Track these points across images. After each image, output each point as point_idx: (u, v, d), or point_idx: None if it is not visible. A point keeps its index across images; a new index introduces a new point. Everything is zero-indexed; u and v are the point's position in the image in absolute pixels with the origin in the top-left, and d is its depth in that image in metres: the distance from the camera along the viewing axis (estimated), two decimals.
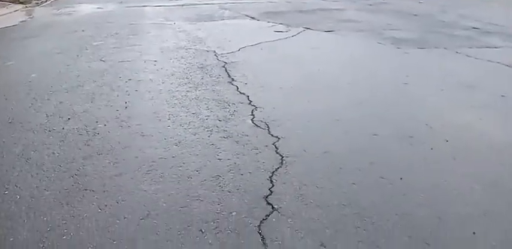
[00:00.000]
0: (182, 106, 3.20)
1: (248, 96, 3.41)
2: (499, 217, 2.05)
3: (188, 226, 1.97)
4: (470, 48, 4.88)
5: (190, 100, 3.30)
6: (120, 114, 3.07)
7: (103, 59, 4.29)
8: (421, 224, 2.01)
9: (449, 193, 2.25)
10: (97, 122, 2.94)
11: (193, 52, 4.54)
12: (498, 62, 4.35)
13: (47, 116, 3.04)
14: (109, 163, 2.47)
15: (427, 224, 2.01)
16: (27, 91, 3.50)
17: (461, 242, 1.91)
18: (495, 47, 4.95)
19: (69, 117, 3.01)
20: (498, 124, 3.02)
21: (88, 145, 2.66)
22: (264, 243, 1.88)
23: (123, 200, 2.13)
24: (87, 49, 4.65)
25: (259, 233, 1.94)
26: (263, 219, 2.03)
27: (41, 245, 1.83)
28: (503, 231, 1.96)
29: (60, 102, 3.27)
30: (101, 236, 1.89)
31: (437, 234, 1.95)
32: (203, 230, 1.95)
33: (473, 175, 2.40)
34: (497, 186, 2.30)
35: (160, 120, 3.00)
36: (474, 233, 1.94)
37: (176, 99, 3.32)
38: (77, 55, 4.43)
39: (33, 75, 3.86)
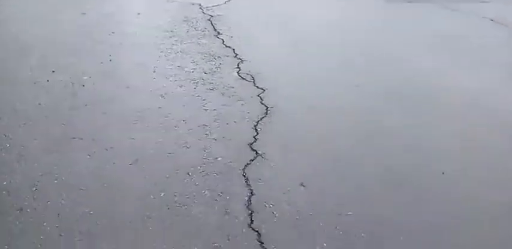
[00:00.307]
0: (167, 59, 3.19)
1: (234, 49, 3.39)
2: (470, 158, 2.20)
3: (176, 170, 2.06)
4: (459, 2, 4.82)
5: (176, 53, 3.28)
6: (104, 67, 3.05)
7: (84, 12, 4.15)
8: (394, 167, 2.14)
9: (425, 143, 2.37)
10: (82, 75, 2.92)
11: (178, 5, 4.41)
12: (483, 17, 4.34)
13: (31, 69, 3.00)
14: (96, 114, 2.51)
15: (400, 167, 2.14)
16: (7, 45, 3.42)
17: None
18: (484, 2, 4.90)
19: (53, 70, 2.98)
20: (474, 75, 3.09)
21: (74, 96, 2.67)
22: (248, 184, 1.99)
23: (111, 147, 2.20)
24: (65, 2, 4.47)
25: (244, 176, 2.04)
26: (247, 164, 2.13)
27: (34, 189, 1.91)
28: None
29: (43, 55, 3.22)
30: (92, 180, 1.98)
31: (410, 176, 2.08)
32: (190, 174, 2.04)
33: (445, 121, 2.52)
34: (464, 135, 2.42)
35: (145, 72, 2.99)
36: (443, 173, 2.08)
37: (161, 52, 3.29)
38: (55, 9, 4.28)
39: (12, 29, 3.74)
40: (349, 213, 1.82)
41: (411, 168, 2.12)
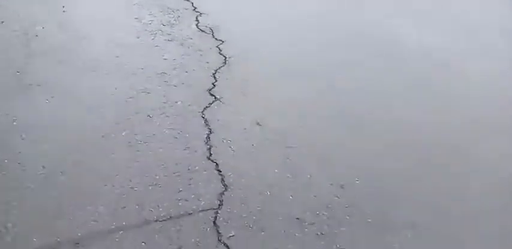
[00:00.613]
0: (123, 11, 3.13)
1: (192, 3, 3.36)
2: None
3: (136, 113, 2.13)
4: None
5: (132, 6, 3.21)
6: (58, 18, 2.96)
7: None
8: (342, 107, 2.32)
9: (373, 86, 2.56)
10: (34, 25, 2.83)
11: None
12: None
13: None
14: (52, 62, 2.48)
15: (347, 105, 2.33)
16: None
17: None
18: None
19: (2, 21, 2.86)
20: (424, 30, 3.27)
21: (28, 46, 2.61)
22: (207, 124, 2.10)
23: (70, 93, 2.22)
24: None
25: (202, 117, 2.15)
26: (206, 107, 2.23)
27: None
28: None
29: None
30: (51, 121, 2.01)
31: (353, 110, 2.27)
32: (150, 115, 2.12)
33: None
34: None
35: (100, 23, 2.94)
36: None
37: (116, 4, 3.21)
38: None
39: None
40: (294, 146, 1.99)
41: (357, 105, 2.32)
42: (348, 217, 1.63)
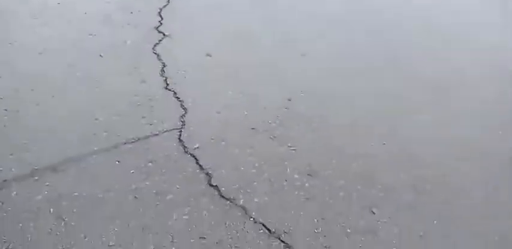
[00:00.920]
0: None
1: None
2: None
3: (87, 54, 2.18)
4: None
5: None
6: None
7: None
8: (282, 27, 2.47)
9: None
10: None
11: None
12: None
13: None
14: None
15: (286, 27, 2.47)
16: None
17: None
18: None
19: None
20: None
21: None
22: (160, 59, 2.19)
23: (15, 41, 2.20)
24: None
25: (154, 53, 2.23)
26: (156, 44, 2.30)
27: None
28: None
29: None
30: (4, 69, 2.03)
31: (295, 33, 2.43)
32: (102, 55, 2.18)
33: None
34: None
35: None
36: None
37: None
38: None
39: None
40: (244, 70, 2.14)
41: (298, 30, 2.48)
42: (295, 124, 1.86)
